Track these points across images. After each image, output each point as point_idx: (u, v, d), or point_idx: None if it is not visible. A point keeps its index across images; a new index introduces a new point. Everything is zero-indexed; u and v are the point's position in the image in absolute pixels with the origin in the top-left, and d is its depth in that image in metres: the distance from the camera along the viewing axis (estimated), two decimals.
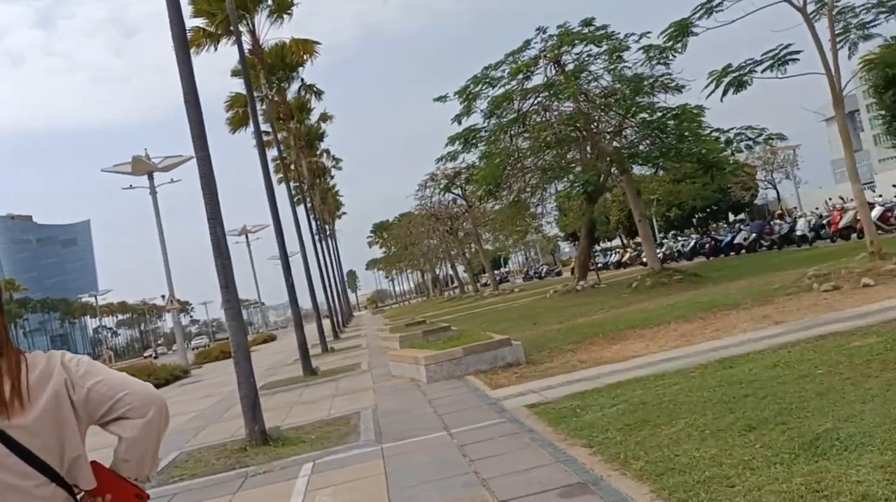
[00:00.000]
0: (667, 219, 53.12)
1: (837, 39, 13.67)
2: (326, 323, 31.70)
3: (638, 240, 65.65)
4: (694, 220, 57.45)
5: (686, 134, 20.19)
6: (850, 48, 14.30)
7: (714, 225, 54.53)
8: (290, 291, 16.70)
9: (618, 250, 49.69)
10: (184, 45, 8.96)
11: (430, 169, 59.71)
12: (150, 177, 34.70)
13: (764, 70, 14.23)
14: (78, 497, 1.71)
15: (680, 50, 14.58)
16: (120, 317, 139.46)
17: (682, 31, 14.18)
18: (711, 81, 14.79)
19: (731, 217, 58.50)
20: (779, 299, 12.80)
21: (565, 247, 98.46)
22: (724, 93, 14.68)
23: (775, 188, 54.58)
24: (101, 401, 1.69)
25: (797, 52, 13.79)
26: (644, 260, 42.05)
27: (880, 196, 28.45)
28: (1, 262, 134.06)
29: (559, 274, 60.14)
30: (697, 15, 13.62)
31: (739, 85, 14.46)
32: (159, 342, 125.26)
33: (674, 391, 7.17)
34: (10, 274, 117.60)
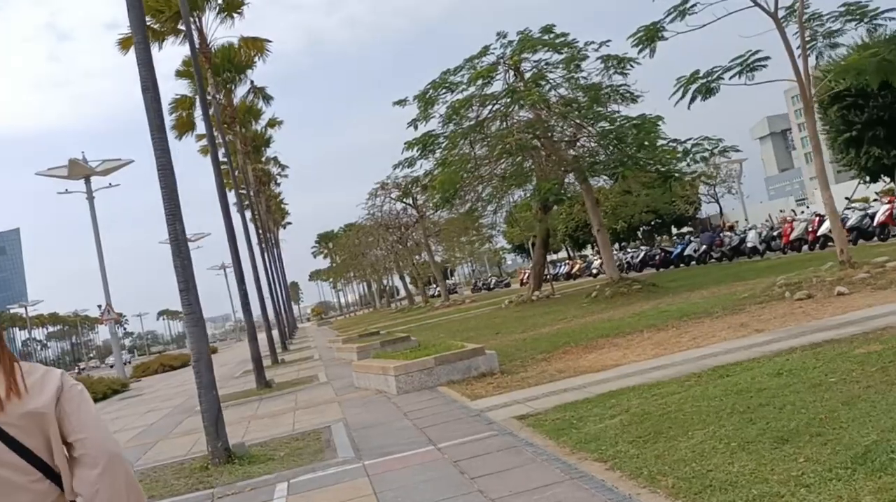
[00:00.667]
0: (613, 232, 53.67)
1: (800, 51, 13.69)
2: (272, 334, 30.65)
3: (584, 252, 66.34)
4: (639, 233, 58.23)
5: (646, 143, 20.13)
6: (816, 56, 14.35)
7: (658, 237, 55.36)
8: (244, 301, 15.86)
9: (567, 261, 49.78)
10: (141, 26, 8.24)
11: (374, 180, 59.14)
12: (88, 182, 33.19)
13: (732, 76, 14.15)
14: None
15: (647, 55, 14.39)
16: (51, 328, 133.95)
17: (651, 35, 14.00)
18: (678, 88, 14.64)
19: (675, 230, 59.54)
20: (751, 308, 12.64)
21: (510, 258, 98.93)
22: (692, 100, 14.55)
23: (717, 202, 55.68)
24: (66, 431, 1.72)
25: (765, 59, 13.73)
26: (594, 271, 42.36)
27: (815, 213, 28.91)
28: None
29: (508, 285, 60.02)
30: (669, 18, 13.45)
31: (707, 92, 14.35)
32: (91, 355, 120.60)
33: (675, 401, 6.77)
34: None
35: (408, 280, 66.29)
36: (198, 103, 29.30)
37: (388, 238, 51.98)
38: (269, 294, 34.72)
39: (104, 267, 32.73)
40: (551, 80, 21.56)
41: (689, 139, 21.01)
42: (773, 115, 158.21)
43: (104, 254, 32.45)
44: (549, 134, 21.82)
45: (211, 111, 27.14)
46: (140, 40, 8.13)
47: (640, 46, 14.26)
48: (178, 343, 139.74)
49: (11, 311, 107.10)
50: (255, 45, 28.07)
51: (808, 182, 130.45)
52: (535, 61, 22.03)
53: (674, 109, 19.09)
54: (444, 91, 21.66)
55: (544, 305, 25.47)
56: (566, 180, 23.62)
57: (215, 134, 32.11)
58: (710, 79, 14.24)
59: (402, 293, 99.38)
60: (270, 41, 28.26)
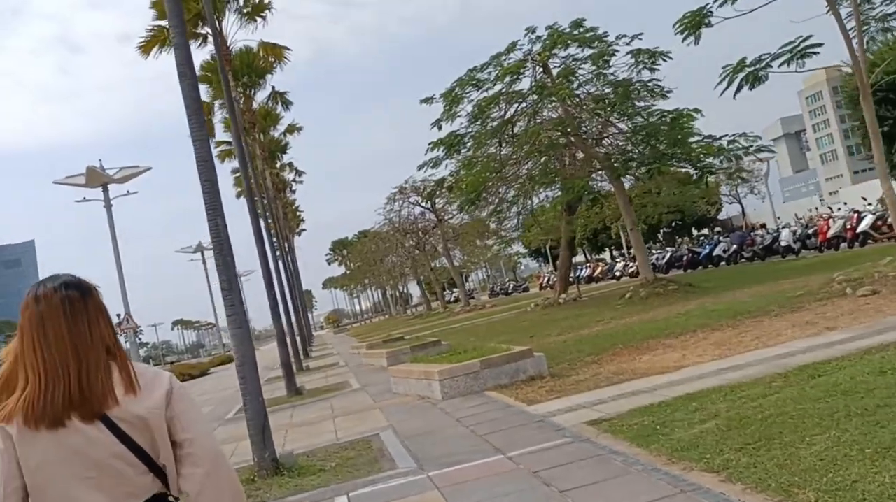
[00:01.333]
0: None
1: (855, 33, 13.06)
2: (296, 341, 30.16)
3: (601, 256, 65.53)
4: (660, 235, 57.44)
5: (680, 138, 19.50)
6: (867, 41, 13.72)
7: (679, 239, 54.56)
8: (273, 304, 15.34)
9: (588, 264, 49.06)
10: (177, 7, 7.73)
11: (384, 188, 58.62)
12: (105, 190, 32.85)
13: (781, 64, 13.54)
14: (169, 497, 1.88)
15: (692, 43, 13.80)
16: None
17: (697, 21, 13.42)
18: (724, 77, 14.06)
19: (695, 231, 58.67)
20: (811, 305, 11.99)
21: (525, 263, 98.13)
22: (738, 89, 13.96)
23: (740, 202, 54.82)
24: (175, 430, 1.86)
25: (817, 46, 13.11)
26: (617, 274, 41.62)
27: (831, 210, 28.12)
28: None
29: (526, 289, 59.31)
30: (718, 3, 12.87)
31: (755, 80, 13.74)
32: None
33: (771, 403, 6.16)
34: None
35: (424, 285, 65.80)
36: (216, 108, 29.01)
37: (406, 243, 51.46)
38: (285, 301, 34.31)
39: (122, 276, 32.34)
40: (580, 76, 20.96)
41: (725, 135, 20.37)
42: (787, 117, 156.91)
43: (126, 263, 32.08)
44: (579, 131, 21.21)
45: (226, 115, 26.80)
46: (176, 24, 7.63)
47: (686, 33, 13.67)
48: (193, 352, 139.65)
49: None
50: (275, 52, 27.64)
51: (825, 183, 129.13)
52: (563, 57, 21.48)
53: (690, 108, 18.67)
54: (470, 89, 21.12)
55: (573, 308, 24.82)
56: (591, 179, 23.02)
57: (230, 140, 31.85)
58: (757, 66, 13.64)
59: (416, 299, 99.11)
60: (290, 49, 27.80)
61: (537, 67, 21.25)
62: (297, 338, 26.67)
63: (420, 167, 23.12)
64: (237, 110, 25.81)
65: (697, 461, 5.06)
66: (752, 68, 13.69)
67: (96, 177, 31.94)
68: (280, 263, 38.56)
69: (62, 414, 1.78)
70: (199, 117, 7.56)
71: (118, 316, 42.78)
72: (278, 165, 47.12)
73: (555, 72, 21.32)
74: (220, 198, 7.55)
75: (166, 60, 26.95)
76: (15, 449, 1.78)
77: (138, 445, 1.81)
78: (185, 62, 7.54)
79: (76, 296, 1.89)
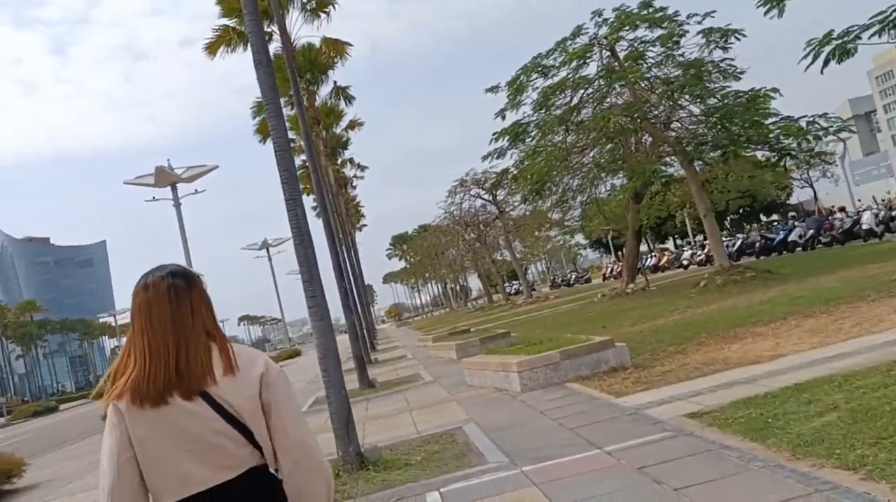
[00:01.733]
0: (698, 221, 51.47)
1: None
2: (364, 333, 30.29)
3: (663, 245, 63.97)
4: (727, 222, 55.77)
5: (756, 119, 18.66)
6: None
7: (748, 226, 52.81)
8: (344, 297, 15.25)
9: (653, 253, 47.93)
10: None
11: (446, 181, 58.35)
12: (174, 189, 33.56)
13: (871, 35, 12.75)
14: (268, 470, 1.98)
15: (776, 16, 13.11)
16: None
17: None
18: (809, 51, 13.33)
19: (765, 218, 56.74)
20: None
21: (585, 254, 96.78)
22: (825, 63, 13.22)
23: (811, 186, 52.79)
24: (267, 414, 1.97)
25: None
26: (684, 262, 40.52)
27: None
28: (21, 284, 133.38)
29: (588, 280, 58.41)
30: None
31: (844, 53, 12.98)
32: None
33: (895, 393, 5.68)
34: (29, 295, 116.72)
35: (484, 278, 65.45)
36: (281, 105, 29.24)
37: (467, 236, 51.20)
38: (353, 295, 34.44)
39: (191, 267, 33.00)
40: (649, 59, 20.28)
41: (804, 116, 19.44)
42: (856, 97, 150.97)
43: (195, 259, 32.74)
44: (648, 115, 20.54)
45: (294, 112, 26.93)
46: (251, 11, 7.51)
47: (768, 6, 13.00)
48: (258, 347, 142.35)
49: (101, 320, 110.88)
50: (337, 48, 27.56)
51: None
52: (630, 40, 20.83)
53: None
54: (535, 76, 20.66)
55: (642, 298, 24.17)
56: (661, 165, 22.28)
57: (294, 137, 32.04)
58: (846, 39, 12.87)
59: (476, 292, 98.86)
60: (351, 44, 27.72)
61: (604, 51, 20.67)
62: (365, 331, 26.70)
63: (484, 158, 22.78)
64: (301, 107, 25.94)
65: (827, 457, 4.64)
66: (840, 41, 12.94)
67: (165, 177, 32.68)
68: (344, 258, 38.85)
69: (164, 392, 1.91)
70: (275, 105, 7.42)
71: None
72: (339, 161, 47.41)
73: (622, 55, 20.70)
74: (299, 188, 7.40)
75: (230, 62, 27.25)
76: (126, 424, 1.92)
77: (237, 420, 1.92)
78: (260, 50, 7.41)
79: (181, 283, 2.01)
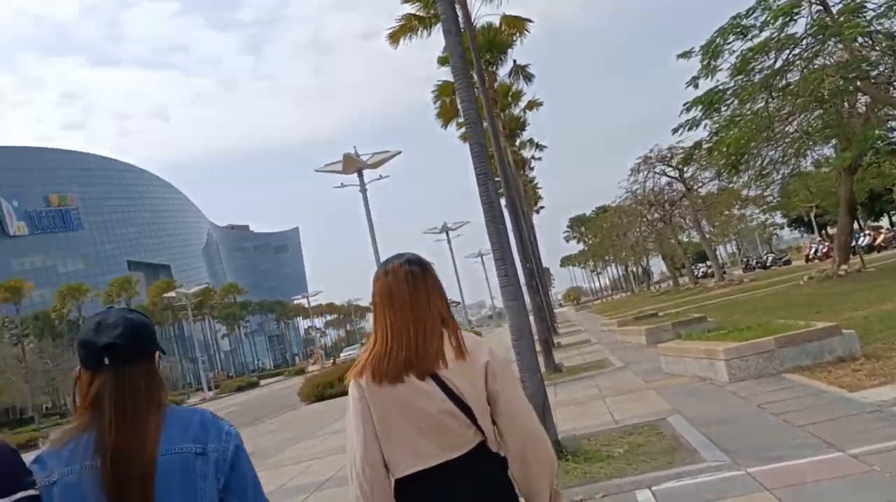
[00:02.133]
0: None
1: None
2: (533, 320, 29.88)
3: (877, 223, 57.66)
4: None
5: None
6: None
7: None
8: (530, 279, 14.87)
9: (867, 232, 43.27)
10: None
11: (627, 160, 56.29)
12: (360, 175, 34.86)
13: None
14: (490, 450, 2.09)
15: None
16: (328, 317, 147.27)
17: None
18: None
19: None
20: None
21: (781, 234, 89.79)
22: None
23: None
24: (492, 400, 2.08)
25: None
26: None
27: None
28: (225, 269, 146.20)
29: (788, 262, 54.01)
30: None
31: None
32: (363, 342, 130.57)
33: None
34: (232, 278, 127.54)
35: (669, 260, 62.61)
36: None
37: (650, 216, 49.07)
38: (532, 278, 34.13)
39: (379, 257, 34.21)
40: (869, 10, 17.92)
41: None
42: None
43: (380, 244, 33.87)
44: (868, 75, 18.21)
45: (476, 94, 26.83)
46: None
47: None
48: None
49: (295, 302, 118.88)
50: (516, 24, 27.08)
51: None
52: None
53: None
54: (732, 38, 18.99)
55: (859, 280, 21.72)
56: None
57: (486, 111, 32.09)
58: None
59: (658, 275, 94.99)
60: (531, 20, 27.14)
61: (814, 5, 18.55)
62: (547, 315, 26.22)
63: (674, 131, 21.34)
64: (482, 89, 25.83)
65: None
66: None
67: (352, 164, 34.01)
68: (525, 240, 38.60)
69: (401, 371, 2.06)
70: (465, 76, 7.09)
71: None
72: (517, 143, 47.11)
73: (835, 9, 18.49)
74: (489, 162, 7.04)
75: (409, 51, 27.63)
76: (366, 399, 2.09)
77: (463, 403, 2.03)
78: (449, 19, 7.11)
79: (417, 270, 2.16)
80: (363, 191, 34.73)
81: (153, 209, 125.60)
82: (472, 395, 2.04)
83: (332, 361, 67.83)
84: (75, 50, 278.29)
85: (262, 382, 70.92)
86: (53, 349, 66.71)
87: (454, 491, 2.05)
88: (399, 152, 34.78)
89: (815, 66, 18.81)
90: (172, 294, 72.71)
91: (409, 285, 2.12)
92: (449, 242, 62.72)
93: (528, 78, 31.40)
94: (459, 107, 7.10)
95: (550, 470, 2.14)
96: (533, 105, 37.39)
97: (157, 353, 1.82)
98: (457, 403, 2.03)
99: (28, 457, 1.71)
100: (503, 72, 31.61)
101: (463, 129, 35.28)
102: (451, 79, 30.35)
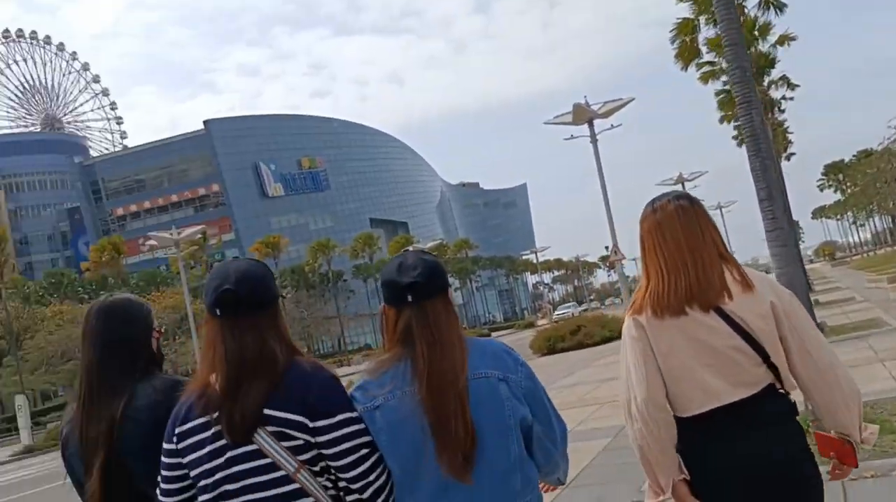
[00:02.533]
0: None
1: None
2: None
3: None
4: None
5: None
6: None
7: None
8: (792, 231, 13.39)
9: None
10: None
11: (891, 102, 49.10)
12: (591, 125, 33.89)
13: None
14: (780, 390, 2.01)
15: None
16: (556, 272, 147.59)
17: None
18: None
19: None
20: None
21: None
22: None
23: None
24: (783, 333, 1.98)
25: None
26: None
27: None
28: (457, 225, 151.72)
29: None
30: None
31: None
32: (591, 297, 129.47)
33: None
34: (464, 234, 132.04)
35: None
36: (701, 24, 27.18)
37: None
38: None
39: (609, 209, 33.21)
40: None
41: None
42: None
43: (609, 197, 32.88)
44: None
45: (716, 31, 24.69)
46: None
47: None
48: None
49: (523, 257, 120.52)
50: None
51: None
52: None
53: None
54: None
55: None
56: None
57: (713, 60, 29.64)
58: None
59: None
60: None
61: None
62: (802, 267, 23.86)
63: None
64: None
65: None
66: None
67: (582, 114, 33.03)
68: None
69: (683, 304, 2.01)
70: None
71: (606, 248, 44.73)
72: (766, 83, 43.02)
73: None
74: (755, 88, 6.20)
75: None
76: (647, 337, 2.04)
77: (752, 338, 1.96)
78: None
79: (686, 204, 2.12)
80: (594, 141, 33.70)
81: (391, 169, 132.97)
82: (762, 330, 1.96)
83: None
84: (320, 22, 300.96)
85: (493, 334, 73.07)
86: (308, 299, 73.61)
87: (744, 435, 1.94)
88: (632, 99, 33.16)
89: None
90: (410, 249, 76.76)
91: (681, 219, 2.07)
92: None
93: (780, 7, 28.29)
94: (719, 25, 6.28)
95: (859, 401, 2.03)
96: (784, 39, 33.68)
97: (450, 289, 1.98)
98: (745, 339, 1.96)
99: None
100: (751, 3, 28.84)
101: (703, 70, 32.94)
102: (690, 15, 28.21)
